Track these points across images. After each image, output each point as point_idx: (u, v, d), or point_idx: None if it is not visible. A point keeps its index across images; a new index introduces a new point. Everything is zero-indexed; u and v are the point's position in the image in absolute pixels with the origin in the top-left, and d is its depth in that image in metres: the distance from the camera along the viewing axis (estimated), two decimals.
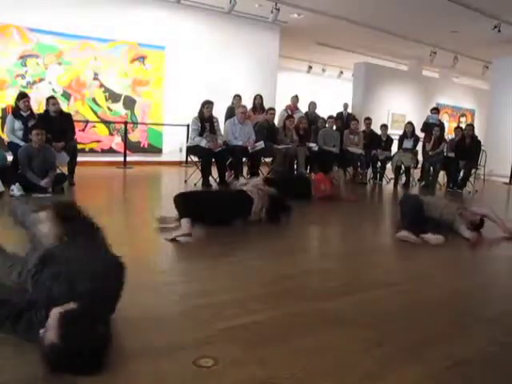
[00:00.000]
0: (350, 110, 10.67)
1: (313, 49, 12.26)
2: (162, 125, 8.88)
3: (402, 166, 8.05)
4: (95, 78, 8.15)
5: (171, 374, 1.54)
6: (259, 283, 2.50)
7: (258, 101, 8.04)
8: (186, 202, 3.58)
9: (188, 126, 7.49)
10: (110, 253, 1.97)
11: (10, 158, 5.39)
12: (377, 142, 8.35)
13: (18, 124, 5.49)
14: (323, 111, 8.97)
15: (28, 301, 1.66)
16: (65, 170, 5.75)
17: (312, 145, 7.57)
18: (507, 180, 9.68)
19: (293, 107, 8.92)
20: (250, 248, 3.42)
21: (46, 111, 5.77)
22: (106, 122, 8.34)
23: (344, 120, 9.66)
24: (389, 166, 8.32)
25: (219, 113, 7.06)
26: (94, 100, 8.17)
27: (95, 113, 8.21)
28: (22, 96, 5.61)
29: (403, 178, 8.17)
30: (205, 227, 3.65)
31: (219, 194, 4.95)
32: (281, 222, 3.97)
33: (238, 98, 7.85)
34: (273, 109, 7.69)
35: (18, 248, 2.21)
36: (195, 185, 6.15)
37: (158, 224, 3.62)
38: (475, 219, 4.04)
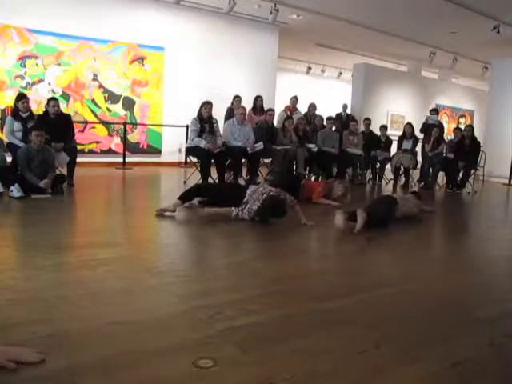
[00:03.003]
0: (349, 111, 10.70)
1: (312, 50, 12.28)
2: (161, 125, 8.88)
3: (402, 167, 8.06)
4: (94, 79, 8.15)
5: (170, 374, 1.53)
6: (259, 284, 2.50)
7: (259, 102, 8.05)
8: (191, 191, 4.32)
9: (187, 126, 7.50)
10: None
11: (9, 158, 5.38)
12: (376, 142, 8.36)
13: (17, 125, 5.48)
14: (322, 112, 8.98)
15: None
16: (64, 171, 5.74)
17: (311, 146, 7.57)
18: (506, 181, 9.69)
19: (292, 108, 8.92)
20: (249, 248, 3.42)
21: (46, 112, 5.77)
22: (106, 123, 8.34)
23: (343, 121, 9.68)
24: (388, 166, 8.34)
25: (219, 114, 7.06)
26: (93, 101, 8.17)
27: (94, 113, 8.21)
28: (21, 97, 5.60)
29: (402, 179, 8.19)
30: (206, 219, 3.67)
31: (223, 183, 6.00)
32: (265, 222, 3.95)
33: (237, 98, 7.85)
34: (272, 110, 7.69)
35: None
36: None
37: (157, 211, 4.10)
38: None
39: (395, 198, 4.45)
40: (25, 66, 7.52)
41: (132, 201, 5.50)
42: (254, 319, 1.98)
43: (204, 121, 6.23)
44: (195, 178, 6.36)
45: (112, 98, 8.35)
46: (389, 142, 8.48)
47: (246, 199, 4.08)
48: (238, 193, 4.23)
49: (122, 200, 5.54)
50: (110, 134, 8.44)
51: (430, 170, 7.99)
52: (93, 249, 3.01)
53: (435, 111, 9.16)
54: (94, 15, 7.95)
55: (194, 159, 6.71)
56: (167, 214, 4.09)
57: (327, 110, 10.00)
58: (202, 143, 6.09)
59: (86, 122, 8.11)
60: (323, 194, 5.39)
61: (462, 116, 14.47)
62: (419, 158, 8.32)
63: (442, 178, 8.26)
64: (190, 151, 6.57)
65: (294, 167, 7.45)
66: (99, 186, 6.38)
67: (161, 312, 2.04)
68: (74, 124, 6.23)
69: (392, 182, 8.17)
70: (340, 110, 10.35)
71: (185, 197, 4.25)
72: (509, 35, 9.17)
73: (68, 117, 6.04)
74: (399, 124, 11.91)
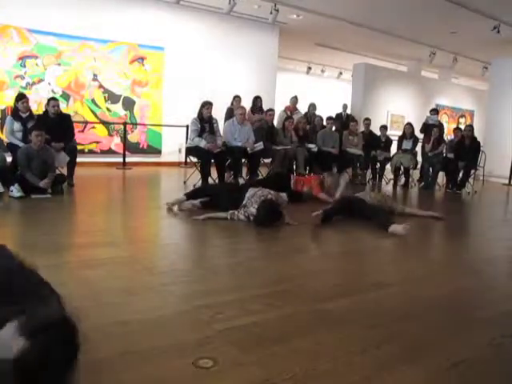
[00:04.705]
0: (349, 111, 10.70)
1: (312, 49, 12.27)
2: (161, 126, 8.88)
3: (402, 167, 8.06)
4: (94, 79, 8.15)
5: (171, 374, 1.53)
6: (259, 284, 2.50)
7: (259, 102, 8.05)
8: (198, 191, 4.68)
9: (187, 126, 7.50)
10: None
11: (9, 158, 5.38)
12: (376, 142, 8.36)
13: (17, 125, 5.48)
14: (322, 112, 8.99)
15: None
16: (64, 171, 5.74)
17: (311, 146, 7.57)
18: (506, 181, 9.68)
19: (292, 108, 8.93)
20: (249, 249, 3.42)
21: (45, 112, 5.76)
22: (106, 123, 8.34)
23: (343, 121, 9.68)
24: (388, 166, 8.34)
25: (219, 114, 7.06)
26: (93, 101, 8.17)
27: (94, 113, 8.21)
28: (21, 97, 5.60)
29: (402, 179, 8.19)
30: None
31: (224, 183, 6.12)
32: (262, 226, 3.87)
33: (237, 98, 7.86)
34: (272, 110, 7.69)
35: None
36: (194, 186, 6.14)
37: (167, 204, 4.40)
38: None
39: (364, 200, 4.53)
40: (25, 66, 7.52)
41: (132, 201, 5.49)
42: (254, 319, 1.98)
43: (204, 121, 6.23)
44: (195, 178, 6.36)
45: (112, 97, 8.35)
46: (389, 142, 8.48)
47: (244, 202, 4.10)
48: (238, 195, 4.27)
49: (122, 200, 5.54)
50: (110, 134, 8.43)
51: (430, 169, 7.99)
52: (93, 249, 3.01)
53: (435, 111, 9.15)
54: (94, 15, 7.94)
55: (194, 159, 6.71)
56: (175, 208, 4.39)
57: (327, 110, 10.00)
58: (202, 143, 6.09)
59: (86, 122, 8.11)
60: (321, 188, 5.49)
61: (461, 116, 14.46)
62: (419, 158, 8.32)
63: (442, 177, 8.26)
64: (190, 151, 6.57)
65: (294, 167, 7.46)
66: (99, 186, 6.38)
67: (161, 312, 2.04)
68: (74, 124, 6.22)
69: (392, 182, 8.17)
70: (340, 110, 10.35)
71: (191, 195, 4.51)
72: (509, 35, 9.17)
73: (68, 117, 6.03)
74: (399, 124, 11.90)
